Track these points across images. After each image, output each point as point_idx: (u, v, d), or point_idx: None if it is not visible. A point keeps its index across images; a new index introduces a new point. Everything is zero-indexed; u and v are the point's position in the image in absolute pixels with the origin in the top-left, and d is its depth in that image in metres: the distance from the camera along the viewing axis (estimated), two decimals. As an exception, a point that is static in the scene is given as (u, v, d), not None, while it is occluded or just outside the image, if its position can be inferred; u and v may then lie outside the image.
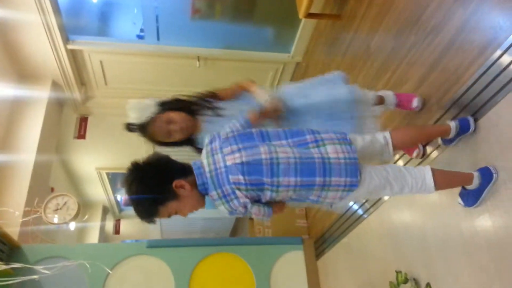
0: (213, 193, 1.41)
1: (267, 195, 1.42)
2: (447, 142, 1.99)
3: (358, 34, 2.99)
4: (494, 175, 1.73)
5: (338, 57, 3.32)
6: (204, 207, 1.49)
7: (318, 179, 1.42)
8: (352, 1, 3.09)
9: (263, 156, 1.40)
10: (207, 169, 1.44)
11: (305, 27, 3.86)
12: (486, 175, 1.75)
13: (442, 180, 1.63)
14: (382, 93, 2.19)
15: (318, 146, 1.49)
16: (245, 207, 1.40)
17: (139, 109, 1.75)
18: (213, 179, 1.42)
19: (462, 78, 1.91)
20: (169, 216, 1.47)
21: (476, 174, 1.75)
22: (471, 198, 1.83)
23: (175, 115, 1.76)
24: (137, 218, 1.43)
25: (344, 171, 1.44)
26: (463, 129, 1.86)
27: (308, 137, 1.52)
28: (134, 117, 1.75)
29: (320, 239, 3.72)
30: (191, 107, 1.82)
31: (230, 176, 1.38)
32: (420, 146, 2.21)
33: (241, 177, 1.37)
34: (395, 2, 2.49)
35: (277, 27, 4.07)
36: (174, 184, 1.40)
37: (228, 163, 1.40)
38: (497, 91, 1.72)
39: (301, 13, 3.14)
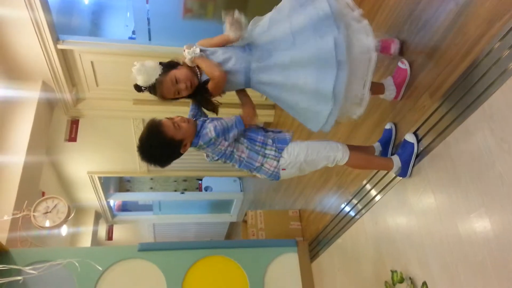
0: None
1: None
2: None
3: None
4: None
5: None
6: None
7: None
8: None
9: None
10: None
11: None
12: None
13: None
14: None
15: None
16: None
17: (145, 72, 1.83)
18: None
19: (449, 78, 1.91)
20: None
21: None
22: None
23: (178, 73, 1.88)
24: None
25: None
26: (401, 174, 2.18)
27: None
28: (141, 80, 1.85)
29: (314, 241, 3.67)
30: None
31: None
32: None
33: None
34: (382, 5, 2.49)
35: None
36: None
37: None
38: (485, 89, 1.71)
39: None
